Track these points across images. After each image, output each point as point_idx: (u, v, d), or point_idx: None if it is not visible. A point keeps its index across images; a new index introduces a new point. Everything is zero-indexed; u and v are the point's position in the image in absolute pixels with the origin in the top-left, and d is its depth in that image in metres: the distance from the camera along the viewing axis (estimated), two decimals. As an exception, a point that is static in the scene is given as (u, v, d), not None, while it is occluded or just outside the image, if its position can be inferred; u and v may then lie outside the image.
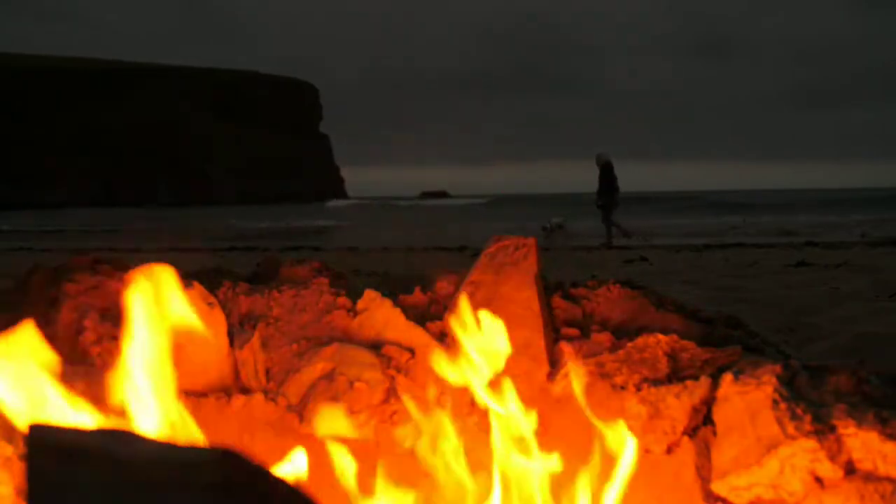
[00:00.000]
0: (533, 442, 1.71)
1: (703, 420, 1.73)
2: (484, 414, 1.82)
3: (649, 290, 2.09)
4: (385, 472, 1.77)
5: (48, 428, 0.94)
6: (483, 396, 1.77)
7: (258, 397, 1.94)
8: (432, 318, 2.05)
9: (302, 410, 1.94)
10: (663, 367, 1.82)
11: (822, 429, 1.49)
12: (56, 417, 1.24)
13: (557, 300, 2.07)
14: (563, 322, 2.04)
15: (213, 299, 2.00)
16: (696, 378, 1.74)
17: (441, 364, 1.82)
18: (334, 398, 1.93)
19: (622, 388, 1.82)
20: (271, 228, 31.30)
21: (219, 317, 1.98)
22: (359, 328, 2.05)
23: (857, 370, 1.62)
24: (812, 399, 1.56)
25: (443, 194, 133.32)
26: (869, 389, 1.58)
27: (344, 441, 1.82)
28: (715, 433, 1.65)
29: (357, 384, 1.94)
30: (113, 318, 1.98)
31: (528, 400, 1.77)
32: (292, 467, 1.48)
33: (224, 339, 1.99)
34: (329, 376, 1.95)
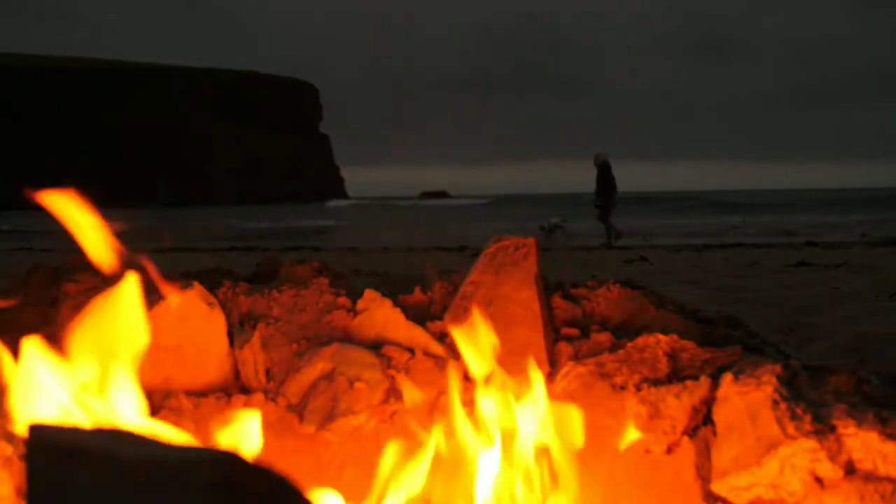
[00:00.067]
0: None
1: (703, 420, 1.73)
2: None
3: (649, 290, 2.09)
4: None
5: (48, 428, 0.94)
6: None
7: (258, 397, 1.94)
8: (432, 318, 2.05)
9: (302, 410, 1.94)
10: (663, 367, 1.82)
11: (822, 429, 1.49)
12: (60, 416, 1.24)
13: (557, 300, 2.07)
14: (563, 322, 2.04)
15: (213, 299, 2.00)
16: (696, 378, 1.74)
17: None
18: (334, 398, 1.93)
19: (622, 388, 1.82)
20: (271, 228, 31.31)
21: (219, 317, 1.99)
22: (359, 328, 2.05)
23: (857, 370, 1.62)
24: (812, 399, 1.56)
25: (443, 194, 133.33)
26: (869, 389, 1.58)
27: (343, 440, 1.83)
28: (715, 433, 1.65)
29: (357, 384, 1.94)
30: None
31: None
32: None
33: (224, 339, 1.99)
34: (329, 376, 1.95)
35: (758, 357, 1.80)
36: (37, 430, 0.93)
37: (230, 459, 0.86)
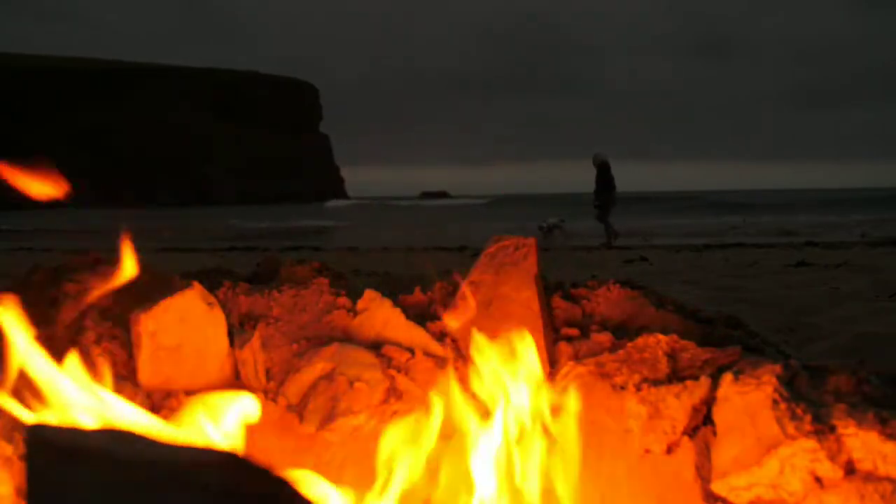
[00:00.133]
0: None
1: (703, 420, 1.73)
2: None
3: (649, 290, 2.09)
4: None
5: (48, 428, 0.94)
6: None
7: (258, 397, 1.94)
8: (432, 318, 2.05)
9: (302, 410, 1.94)
10: (663, 367, 1.82)
11: (822, 429, 1.49)
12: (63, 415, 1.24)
13: (557, 300, 2.07)
14: (563, 322, 2.04)
15: (213, 299, 2.00)
16: (696, 378, 1.74)
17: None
18: (334, 398, 1.93)
19: (622, 388, 1.82)
20: (271, 228, 31.31)
21: (219, 317, 1.98)
22: (359, 328, 2.05)
23: (857, 370, 1.62)
24: (812, 399, 1.56)
25: (443, 194, 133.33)
26: (869, 389, 1.58)
27: (344, 440, 1.82)
28: (715, 433, 1.65)
29: (357, 384, 1.93)
30: (113, 317, 1.98)
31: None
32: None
33: (224, 339, 1.99)
34: (329, 376, 1.95)
35: (758, 357, 1.80)
36: (37, 430, 0.93)
37: (232, 460, 0.86)
